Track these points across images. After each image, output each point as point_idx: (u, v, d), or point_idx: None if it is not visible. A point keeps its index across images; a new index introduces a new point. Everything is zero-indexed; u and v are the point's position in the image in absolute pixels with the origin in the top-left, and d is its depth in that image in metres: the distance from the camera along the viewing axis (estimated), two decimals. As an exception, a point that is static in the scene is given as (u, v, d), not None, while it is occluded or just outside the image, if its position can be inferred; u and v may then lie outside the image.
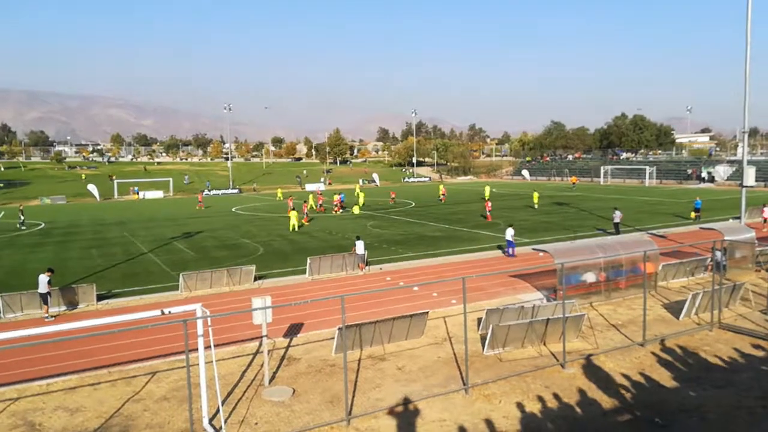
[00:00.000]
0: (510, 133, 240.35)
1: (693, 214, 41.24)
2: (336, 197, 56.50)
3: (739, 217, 35.00)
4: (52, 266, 21.59)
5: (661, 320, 17.60)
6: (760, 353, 14.54)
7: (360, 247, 25.80)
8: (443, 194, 65.08)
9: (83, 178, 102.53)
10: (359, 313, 18.32)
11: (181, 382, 13.37)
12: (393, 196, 65.12)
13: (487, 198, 56.55)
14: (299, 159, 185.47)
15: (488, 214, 43.83)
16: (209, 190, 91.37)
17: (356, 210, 51.93)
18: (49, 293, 19.72)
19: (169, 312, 11.07)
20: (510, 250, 28.74)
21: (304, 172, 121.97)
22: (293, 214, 41.70)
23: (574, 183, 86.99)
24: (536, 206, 51.76)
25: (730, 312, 17.98)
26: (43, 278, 19.56)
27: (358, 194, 62.74)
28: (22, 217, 48.80)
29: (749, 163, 35.16)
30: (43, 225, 50.04)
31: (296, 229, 40.57)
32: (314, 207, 55.42)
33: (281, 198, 73.12)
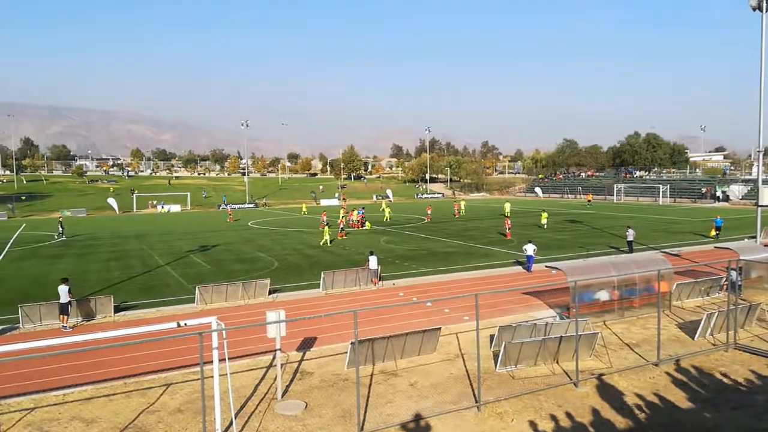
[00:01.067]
0: (523, 150, 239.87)
1: (713, 232, 40.96)
2: (356, 214, 56.14)
3: (754, 237, 34.64)
4: (67, 277, 21.87)
5: (675, 340, 17.44)
6: (778, 375, 14.36)
7: (373, 262, 25.91)
8: (458, 209, 65.75)
9: (111, 191, 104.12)
10: (372, 327, 18.40)
11: (195, 394, 13.52)
12: (429, 212, 64.45)
13: (507, 215, 56.44)
14: (314, 174, 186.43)
15: (507, 231, 43.39)
16: (226, 205, 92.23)
17: (368, 225, 52.38)
18: (69, 303, 20.07)
19: (185, 324, 11.25)
20: (529, 265, 28.83)
21: (320, 187, 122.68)
22: (326, 230, 42.45)
23: (589, 201, 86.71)
24: (545, 226, 49.84)
25: (746, 333, 17.78)
26: (64, 288, 19.91)
27: (383, 209, 64.09)
28: (61, 228, 50.16)
29: (764, 182, 34.85)
30: (63, 237, 50.81)
31: (328, 244, 40.88)
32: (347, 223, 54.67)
33: (305, 213, 73.50)
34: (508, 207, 64.26)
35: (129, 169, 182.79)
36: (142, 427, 12.05)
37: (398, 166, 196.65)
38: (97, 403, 13.38)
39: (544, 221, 50.70)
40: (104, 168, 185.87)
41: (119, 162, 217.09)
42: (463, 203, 73.93)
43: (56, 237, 48.93)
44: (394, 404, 13.02)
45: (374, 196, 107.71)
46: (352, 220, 54.29)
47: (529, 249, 29.03)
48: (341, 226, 46.65)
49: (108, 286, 27.20)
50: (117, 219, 74.15)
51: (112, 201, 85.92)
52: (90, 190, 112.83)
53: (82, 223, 68.26)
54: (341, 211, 58.93)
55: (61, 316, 20.04)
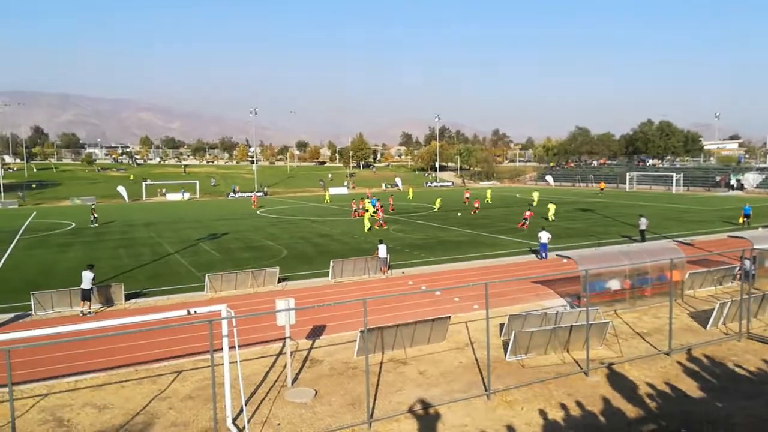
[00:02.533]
0: (534, 138, 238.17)
1: (741, 219, 41.05)
2: (368, 204, 54.13)
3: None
4: (91, 263, 21.99)
5: (687, 329, 17.30)
6: (791, 365, 14.22)
7: (382, 250, 25.87)
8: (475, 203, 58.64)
9: (131, 178, 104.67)
10: (381, 316, 18.39)
11: (206, 381, 13.59)
12: (468, 196, 64.24)
13: (535, 204, 55.79)
14: (323, 163, 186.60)
15: (525, 222, 41.46)
16: (235, 193, 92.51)
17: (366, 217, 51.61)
18: (92, 289, 20.28)
19: (195, 312, 11.29)
20: (544, 254, 28.75)
21: (329, 175, 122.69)
22: (367, 216, 43.17)
23: (601, 189, 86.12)
24: (550, 218, 45.69)
25: (760, 322, 17.61)
26: (88, 275, 20.07)
27: (409, 198, 63.91)
28: (94, 216, 51.53)
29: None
30: (73, 225, 51.25)
31: (367, 230, 41.28)
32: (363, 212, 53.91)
33: (328, 201, 73.50)
34: (536, 196, 62.49)
35: (138, 157, 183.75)
36: (154, 414, 12.14)
37: (407, 155, 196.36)
38: (109, 390, 13.50)
39: (551, 214, 46.45)
40: (113, 156, 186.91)
41: (128, 150, 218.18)
42: (489, 191, 73.90)
43: (91, 224, 50.16)
44: (404, 392, 13.02)
45: (383, 185, 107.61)
46: (361, 209, 53.83)
47: (543, 237, 28.99)
48: (380, 216, 45.27)
49: (118, 273, 27.37)
50: (126, 207, 74.58)
51: (121, 189, 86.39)
52: (99, 179, 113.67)
53: (90, 211, 68.64)
54: (366, 201, 58.25)
55: (83, 301, 20.21)
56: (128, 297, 22.25)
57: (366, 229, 41.56)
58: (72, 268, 27.97)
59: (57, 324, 17.60)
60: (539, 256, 29.27)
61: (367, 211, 45.98)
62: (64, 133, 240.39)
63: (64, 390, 13.53)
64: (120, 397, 13.08)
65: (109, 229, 47.08)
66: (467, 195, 67.11)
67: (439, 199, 61.38)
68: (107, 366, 14.90)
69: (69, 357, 15.39)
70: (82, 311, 20.20)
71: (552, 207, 47.70)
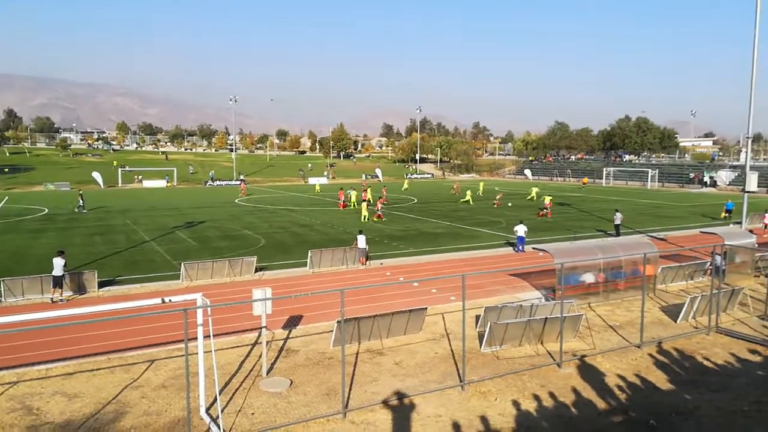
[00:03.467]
0: (513, 132, 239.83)
1: (723, 214, 43.14)
2: (352, 194, 54.62)
3: (740, 222, 35.03)
4: (62, 249, 21.58)
5: (658, 323, 17.64)
6: (757, 358, 14.58)
7: (362, 241, 25.87)
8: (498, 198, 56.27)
9: (114, 164, 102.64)
10: (359, 307, 18.40)
11: (180, 370, 13.48)
12: (456, 187, 65.46)
13: (534, 198, 56.34)
14: (303, 152, 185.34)
15: (547, 210, 45.00)
16: (213, 181, 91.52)
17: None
18: (64, 276, 19.93)
19: (170, 300, 11.15)
20: (521, 247, 29.04)
21: (309, 165, 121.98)
22: (364, 205, 43.91)
23: (584, 183, 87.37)
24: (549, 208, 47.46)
25: (728, 316, 18.02)
26: (59, 261, 19.71)
27: (405, 189, 67.60)
28: (82, 202, 50.51)
29: (752, 168, 35.16)
30: (46, 211, 50.26)
31: (367, 220, 41.60)
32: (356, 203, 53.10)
33: (318, 191, 73.08)
34: (534, 191, 61.49)
35: (114, 143, 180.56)
36: (126, 403, 12.00)
37: (388, 146, 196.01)
38: (80, 378, 13.30)
39: (548, 202, 48.76)
40: (89, 141, 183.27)
41: (104, 135, 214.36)
42: (482, 184, 74.69)
43: (77, 210, 49.34)
44: (379, 383, 13.07)
45: (363, 175, 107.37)
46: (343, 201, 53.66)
47: (520, 230, 29.26)
48: (379, 207, 44.57)
49: (92, 260, 26.93)
50: (101, 193, 73.28)
51: (96, 175, 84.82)
52: (74, 164, 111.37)
53: (65, 196, 67.40)
54: (369, 191, 57.86)
55: (54, 288, 19.85)
56: (102, 284, 21.92)
57: (362, 218, 41.87)
58: (44, 254, 27.41)
59: (27, 311, 17.31)
60: (516, 249, 29.55)
61: (366, 201, 46.78)
62: (38, 117, 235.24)
63: (33, 378, 13.30)
64: (91, 385, 12.90)
65: (83, 216, 46.26)
66: (456, 186, 69.03)
67: (469, 192, 59.92)
68: (78, 354, 14.67)
69: (39, 345, 15.13)
70: (52, 298, 19.85)
71: (548, 198, 50.85)
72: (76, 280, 21.16)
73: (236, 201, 60.72)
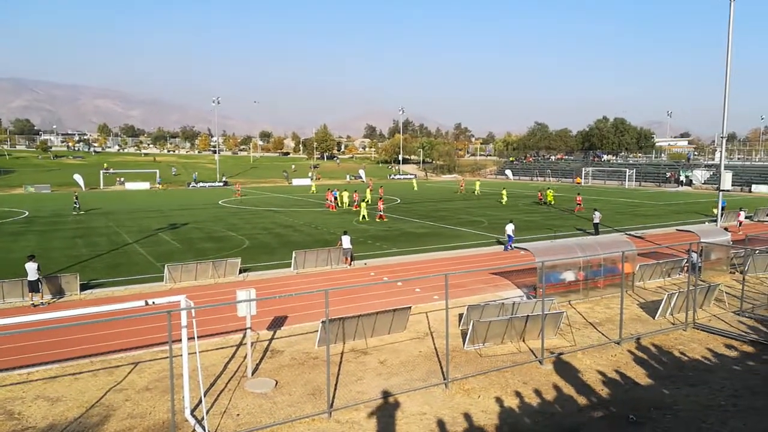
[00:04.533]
0: (494, 133, 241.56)
1: (715, 210, 43.08)
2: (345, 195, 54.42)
3: (715, 220, 35.73)
4: (33, 254, 21.41)
5: (637, 319, 17.98)
6: (733, 353, 14.94)
7: (346, 241, 25.95)
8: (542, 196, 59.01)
9: (105, 166, 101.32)
10: (343, 307, 18.50)
11: (164, 372, 13.46)
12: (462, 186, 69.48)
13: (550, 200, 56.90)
14: (287, 154, 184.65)
15: (578, 205, 48.24)
16: (196, 183, 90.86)
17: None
18: (39, 280, 19.69)
19: (153, 303, 11.15)
20: (510, 245, 29.40)
21: (293, 166, 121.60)
22: (363, 205, 45.09)
23: (578, 183, 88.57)
24: (552, 203, 55.06)
25: (705, 312, 18.42)
26: (31, 266, 19.49)
27: (414, 189, 72.13)
28: (77, 203, 50.94)
29: (726, 167, 35.90)
30: (27, 213, 49.56)
31: (365, 219, 42.66)
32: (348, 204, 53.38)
33: (314, 192, 72.65)
34: (551, 194, 59.07)
35: (96, 144, 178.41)
36: (109, 406, 11.97)
37: (372, 147, 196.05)
38: (63, 382, 13.22)
39: (550, 198, 55.79)
40: (70, 143, 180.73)
41: (86, 137, 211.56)
42: (478, 183, 76.20)
43: (74, 212, 49.44)
44: (364, 382, 13.18)
45: (347, 176, 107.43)
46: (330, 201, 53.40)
47: (509, 229, 29.71)
48: (381, 208, 44.26)
49: (74, 263, 26.66)
50: (83, 196, 72.19)
51: (78, 177, 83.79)
52: (54, 166, 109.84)
53: (46, 199, 66.53)
54: (368, 191, 59.17)
55: (31, 293, 19.65)
56: (84, 287, 21.74)
57: (361, 218, 42.69)
58: (25, 258, 27.05)
59: (8, 315, 17.09)
60: (506, 248, 29.89)
61: (364, 200, 48.08)
62: (17, 119, 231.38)
63: (15, 382, 13.19)
64: (74, 389, 12.83)
65: (64, 218, 45.70)
66: (462, 186, 74.40)
67: (505, 191, 60.72)
68: (61, 357, 14.57)
69: (20, 349, 14.99)
70: (32, 303, 19.64)
71: (550, 192, 57.61)
72: (55, 284, 20.93)
73: (219, 202, 60.35)
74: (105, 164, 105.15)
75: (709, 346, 15.48)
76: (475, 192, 69.75)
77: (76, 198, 52.85)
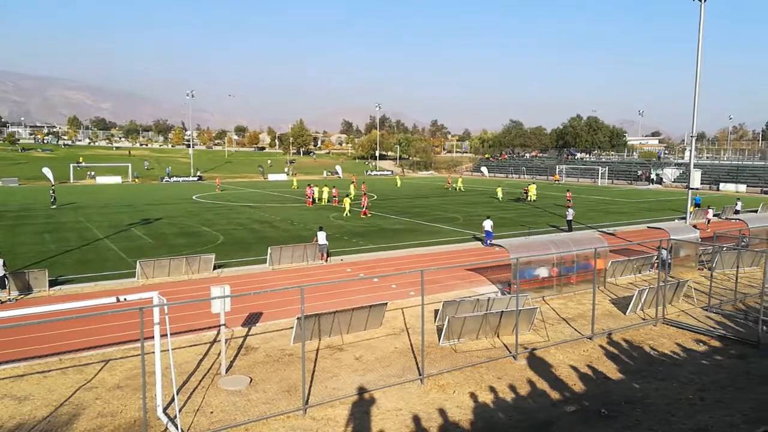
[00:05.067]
0: (471, 130, 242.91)
1: (692, 208, 43.97)
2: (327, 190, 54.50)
3: (684, 218, 36.50)
4: None
5: (608, 315, 18.29)
6: (701, 348, 15.29)
7: (322, 237, 25.85)
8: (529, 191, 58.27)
9: (80, 160, 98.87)
10: (319, 303, 18.41)
11: (136, 370, 13.24)
12: (450, 182, 72.09)
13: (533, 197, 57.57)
14: (262, 149, 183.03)
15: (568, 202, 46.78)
16: (169, 177, 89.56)
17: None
18: (6, 276, 19.24)
19: (125, 299, 10.96)
20: (488, 241, 29.63)
21: (269, 161, 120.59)
22: (347, 201, 45.14)
23: (557, 180, 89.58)
24: (533, 199, 56.15)
25: (674, 308, 18.82)
26: None
27: (398, 187, 72.56)
28: (54, 197, 50.28)
29: (695, 166, 36.70)
30: (55, 206, 48.44)
31: (349, 214, 43.00)
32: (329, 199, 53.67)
33: (296, 187, 71.91)
34: (533, 189, 59.93)
35: (66, 137, 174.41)
36: (79, 404, 11.73)
37: (348, 143, 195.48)
38: (31, 380, 12.92)
39: (533, 194, 56.92)
40: (39, 136, 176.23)
41: (55, 130, 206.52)
42: (460, 179, 77.19)
43: (52, 206, 48.81)
44: (340, 378, 13.16)
45: (324, 172, 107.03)
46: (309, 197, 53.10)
47: (487, 225, 29.98)
48: (365, 204, 44.42)
49: (43, 259, 26.07)
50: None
51: (47, 171, 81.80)
52: (23, 159, 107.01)
53: (14, 193, 64.87)
54: (352, 187, 60.14)
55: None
56: (53, 283, 21.27)
57: (345, 213, 43.04)
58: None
59: (-27, 312, 16.64)
60: (485, 243, 30.14)
61: (348, 195, 48.55)
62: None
63: (-20, 381, 12.85)
64: (42, 387, 12.55)
65: (32, 213, 44.63)
66: (449, 181, 75.62)
67: (500, 188, 61.89)
68: (28, 355, 14.22)
69: (-14, 347, 14.61)
70: (7, 299, 19.18)
71: (533, 187, 58.85)
72: (22, 280, 20.44)
73: (193, 197, 59.57)
74: (80, 158, 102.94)
75: (678, 341, 15.82)
76: (458, 188, 71.33)
77: (53, 192, 52.03)
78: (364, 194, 49.00)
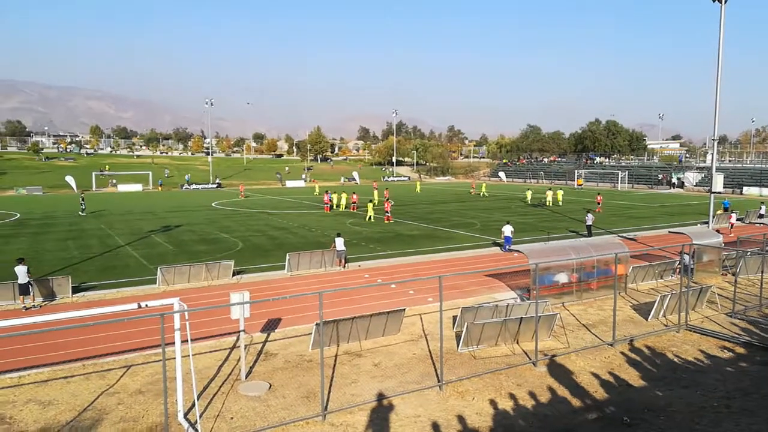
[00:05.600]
0: (488, 135, 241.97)
1: (720, 211, 43.88)
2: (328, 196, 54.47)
3: (707, 222, 35.94)
4: (23, 256, 21.30)
5: (630, 321, 18.05)
6: (725, 355, 15.01)
7: (339, 243, 25.91)
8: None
9: (106, 168, 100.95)
10: (337, 309, 18.47)
11: (157, 375, 13.39)
12: (474, 187, 75.40)
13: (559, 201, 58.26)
14: (280, 156, 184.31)
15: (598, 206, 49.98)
16: (189, 185, 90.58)
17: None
18: (30, 283, 19.58)
19: (146, 305, 11.09)
20: (507, 246, 29.48)
21: (287, 168, 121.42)
22: (370, 206, 45.56)
23: (579, 185, 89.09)
24: (560, 203, 57.43)
25: (697, 314, 18.51)
26: (21, 269, 19.37)
27: (417, 192, 74.37)
28: (83, 205, 51.36)
29: (718, 170, 36.14)
30: (18, 216, 49.20)
31: (372, 219, 43.62)
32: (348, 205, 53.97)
33: (318, 193, 72.28)
34: (559, 194, 60.52)
35: (88, 146, 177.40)
36: (102, 409, 11.88)
37: (365, 149, 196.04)
38: (55, 385, 13.12)
39: (559, 199, 58.56)
40: (62, 145, 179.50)
41: (77, 139, 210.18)
42: (484, 185, 77.54)
43: (81, 213, 50.05)
44: (358, 384, 13.15)
45: (341, 179, 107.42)
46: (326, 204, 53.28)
47: (507, 230, 29.82)
48: (388, 209, 44.71)
49: (66, 266, 26.50)
50: (75, 197, 71.91)
51: (69, 179, 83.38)
52: (46, 168, 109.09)
53: (38, 201, 66.12)
54: (375, 192, 60.87)
55: (22, 296, 19.53)
56: (76, 290, 21.60)
57: (368, 218, 43.69)
58: (15, 261, 26.87)
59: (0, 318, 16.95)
60: (504, 249, 29.99)
61: (371, 200, 49.29)
62: (8, 121, 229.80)
63: (6, 386, 13.07)
64: (66, 392, 12.74)
65: (56, 220, 45.42)
66: (473, 186, 77.18)
67: (530, 192, 63.06)
68: (52, 361, 14.46)
69: (12, 352, 14.88)
70: (24, 306, 19.52)
71: (560, 193, 60.60)
72: (46, 286, 20.79)
73: (212, 204, 60.14)
74: (106, 166, 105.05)
75: (702, 347, 15.55)
76: (483, 193, 71.87)
77: (83, 199, 53.22)
78: (387, 200, 49.26)
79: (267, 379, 13.40)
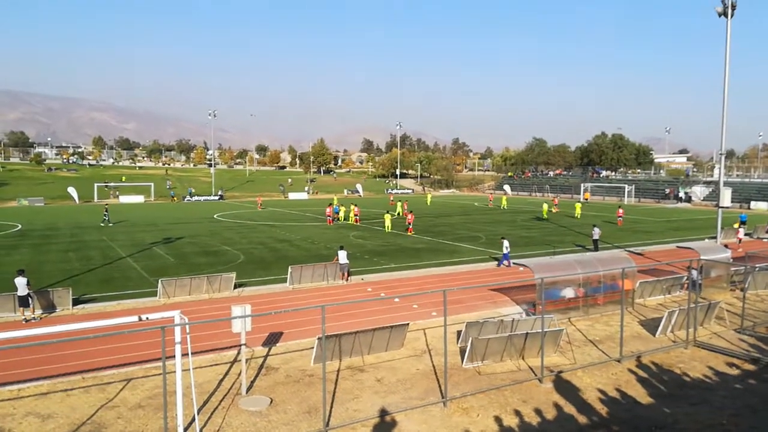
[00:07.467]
0: (492, 148, 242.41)
1: (737, 225, 42.97)
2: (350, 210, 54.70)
3: (715, 237, 35.68)
4: (23, 268, 21.18)
5: (637, 337, 17.80)
6: (734, 371, 14.77)
7: (342, 257, 25.75)
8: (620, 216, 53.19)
9: (123, 180, 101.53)
10: (339, 323, 18.26)
11: (157, 389, 13.20)
12: (491, 200, 76.95)
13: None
14: (283, 168, 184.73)
15: (619, 219, 50.88)
16: (191, 197, 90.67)
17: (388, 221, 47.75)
18: (29, 295, 19.44)
19: (147, 318, 10.93)
20: (506, 262, 29.25)
21: (289, 180, 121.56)
22: (388, 216, 46.66)
23: (586, 198, 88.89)
24: (578, 216, 57.43)
25: (705, 330, 18.26)
26: (21, 280, 19.25)
27: (428, 204, 74.82)
28: (107, 215, 52.67)
29: (725, 184, 35.95)
30: (20, 227, 49.20)
31: (390, 229, 45.00)
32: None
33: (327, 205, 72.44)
34: (546, 207, 60.63)
35: (90, 157, 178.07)
36: (101, 423, 11.69)
37: (369, 161, 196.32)
38: (54, 398, 12.94)
39: (578, 213, 58.64)
40: (65, 156, 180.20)
41: (80, 150, 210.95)
42: (504, 198, 77.26)
43: (103, 223, 50.91)
44: (361, 400, 12.94)
45: (345, 191, 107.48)
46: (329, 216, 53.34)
47: (503, 246, 29.63)
48: (411, 221, 44.87)
49: (67, 277, 26.39)
50: (77, 209, 72.07)
51: (72, 190, 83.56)
52: (49, 179, 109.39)
53: (40, 212, 66.18)
54: (399, 204, 61.08)
55: (21, 308, 19.39)
56: (76, 302, 21.45)
57: (386, 228, 44.84)
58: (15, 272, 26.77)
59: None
60: (499, 264, 29.74)
61: (389, 212, 49.90)
62: (11, 132, 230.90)
63: (5, 399, 12.90)
64: (65, 405, 12.55)
65: (57, 232, 45.38)
66: (491, 198, 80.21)
67: (546, 205, 62.32)
68: (52, 374, 14.27)
69: (11, 364, 14.71)
70: (24, 318, 19.37)
71: (578, 206, 61.10)
72: (46, 298, 20.65)
73: (215, 216, 60.11)
74: (123, 177, 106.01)
75: (710, 364, 15.31)
76: (503, 206, 71.78)
77: (106, 210, 54.03)
78: (410, 212, 50.24)
79: (268, 394, 13.20)
